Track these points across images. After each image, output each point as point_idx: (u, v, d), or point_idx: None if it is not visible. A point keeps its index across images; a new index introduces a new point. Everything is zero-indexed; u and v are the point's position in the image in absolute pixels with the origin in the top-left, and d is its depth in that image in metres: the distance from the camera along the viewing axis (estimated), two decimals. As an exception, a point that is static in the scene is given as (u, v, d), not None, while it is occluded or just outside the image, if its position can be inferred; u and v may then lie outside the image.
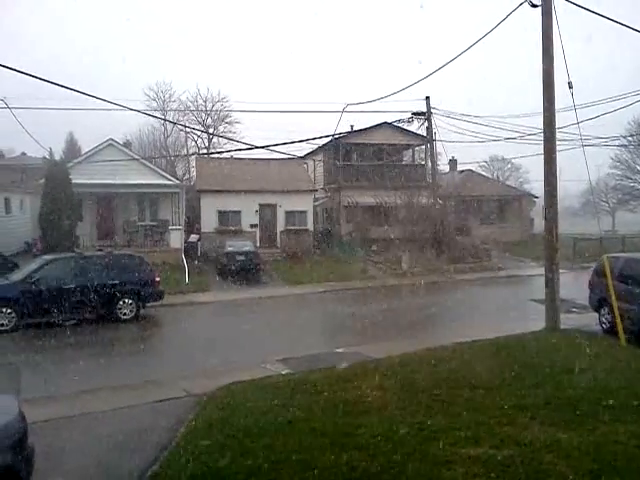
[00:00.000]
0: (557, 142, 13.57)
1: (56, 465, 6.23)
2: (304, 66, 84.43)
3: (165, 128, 53.87)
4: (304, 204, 32.54)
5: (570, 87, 13.20)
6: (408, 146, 36.12)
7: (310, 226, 32.69)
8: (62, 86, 7.72)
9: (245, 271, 23.85)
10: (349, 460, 6.24)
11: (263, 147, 20.25)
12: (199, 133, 54.49)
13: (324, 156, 37.02)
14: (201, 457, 6.63)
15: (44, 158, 38.84)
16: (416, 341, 12.94)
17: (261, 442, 6.89)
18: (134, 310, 16.37)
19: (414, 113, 29.97)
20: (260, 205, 31.74)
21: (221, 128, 53.24)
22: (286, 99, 72.83)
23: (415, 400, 8.26)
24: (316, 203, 34.69)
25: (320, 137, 28.87)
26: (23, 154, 50.17)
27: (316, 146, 34.32)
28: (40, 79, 7.22)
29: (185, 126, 49.07)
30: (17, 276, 16.10)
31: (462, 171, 42.08)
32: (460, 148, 35.01)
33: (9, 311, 14.86)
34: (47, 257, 17.09)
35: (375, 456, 6.33)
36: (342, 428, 7.16)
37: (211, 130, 53.15)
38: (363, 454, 6.40)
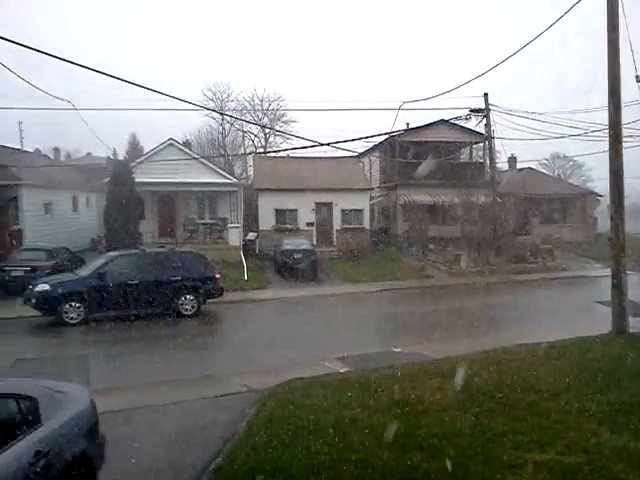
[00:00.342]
0: (623, 138, 13.07)
1: (123, 455, 6.43)
2: (360, 64, 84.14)
3: (223, 128, 54.84)
4: (360, 202, 32.52)
5: (638, 81, 12.69)
6: (465, 144, 35.54)
7: (366, 224, 32.64)
8: (133, 83, 7.97)
9: (302, 269, 24.02)
10: (410, 460, 6.21)
11: (320, 145, 20.21)
12: (256, 132, 55.24)
13: (380, 154, 36.87)
14: (263, 453, 6.72)
15: (108, 158, 40.25)
16: (475, 343, 12.70)
17: (321, 440, 6.93)
18: (195, 306, 16.76)
19: (472, 110, 29.39)
20: (316, 203, 31.92)
21: (277, 127, 53.79)
22: (341, 97, 72.75)
23: (476, 402, 8.13)
24: (372, 201, 34.60)
25: (376, 135, 28.85)
26: (88, 154, 52.07)
27: (372, 144, 34.21)
28: (112, 77, 7.48)
29: (246, 123, 49.79)
30: (84, 272, 16.74)
31: (522, 169, 41.04)
32: (520, 146, 34.24)
33: (78, 305, 15.45)
34: (112, 253, 17.69)
35: (436, 457, 6.28)
36: (402, 428, 7.11)
37: (267, 130, 53.81)
38: (424, 455, 6.36)
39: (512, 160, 42.30)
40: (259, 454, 6.70)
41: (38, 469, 4.84)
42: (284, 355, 12.35)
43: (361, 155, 37.19)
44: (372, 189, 34.40)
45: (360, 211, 32.45)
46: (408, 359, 11.33)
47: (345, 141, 28.06)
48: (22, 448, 4.80)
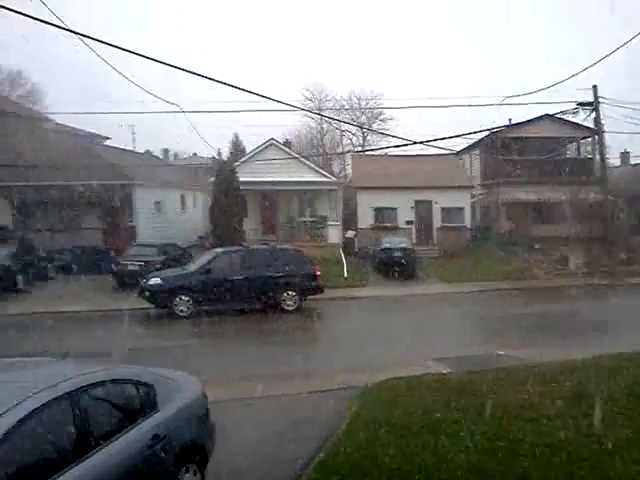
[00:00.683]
0: None
1: (227, 444, 6.63)
2: (457, 60, 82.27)
3: (321, 127, 55.48)
4: (460, 200, 31.81)
5: None
6: (572, 139, 33.78)
7: (467, 223, 31.88)
8: (239, 88, 8.24)
9: (401, 268, 23.84)
10: (521, 468, 5.99)
11: (419, 142, 19.92)
12: (354, 131, 55.44)
13: (481, 151, 35.84)
14: (364, 451, 6.71)
15: (213, 158, 41.87)
16: (586, 348, 11.99)
17: (423, 441, 6.83)
18: (296, 302, 17.10)
19: (579, 103, 27.85)
20: (416, 202, 31.55)
21: (375, 126, 53.66)
22: (440, 94, 71.37)
23: (589, 410, 7.70)
24: (473, 199, 33.73)
25: (477, 132, 28.05)
26: (194, 155, 54.39)
27: (472, 141, 33.33)
28: (219, 82, 7.76)
29: (344, 123, 50.05)
30: (192, 267, 17.52)
31: (637, 164, 38.49)
32: (635, 140, 31.97)
33: (187, 299, 16.21)
34: (218, 250, 18.39)
35: (550, 467, 5.99)
36: (510, 434, 6.87)
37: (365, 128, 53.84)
38: (536, 463, 6.10)
39: (625, 155, 39.84)
40: (360, 452, 6.70)
41: (155, 452, 5.12)
42: (382, 353, 12.31)
43: (461, 152, 36.33)
44: (473, 187, 33.53)
45: (460, 209, 31.73)
46: (512, 363, 10.94)
47: (443, 138, 27.44)
48: (142, 431, 5.09)
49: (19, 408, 4.16)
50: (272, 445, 7.54)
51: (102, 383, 5.08)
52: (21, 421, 4.06)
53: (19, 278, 19.70)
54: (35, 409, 4.22)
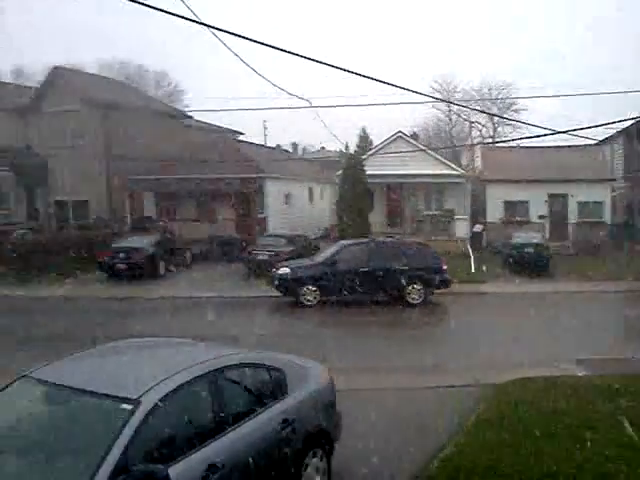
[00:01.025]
0: None
1: (350, 433, 6.71)
2: (595, 44, 76.64)
3: (450, 119, 54.29)
4: (599, 194, 29.70)
5: None
6: None
7: (607, 218, 29.77)
8: (370, 78, 8.25)
9: (532, 264, 22.73)
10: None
11: (554, 133, 18.82)
12: (484, 122, 53.69)
13: (624, 141, 33.21)
14: (491, 451, 6.53)
15: (340, 151, 42.43)
16: None
17: (558, 445, 6.52)
18: (422, 296, 16.92)
19: None
20: (549, 195, 29.95)
21: (506, 116, 51.59)
22: (579, 82, 66.96)
23: None
24: (614, 193, 31.41)
25: (620, 121, 25.84)
26: (322, 148, 55.46)
27: (614, 130, 30.96)
28: (348, 72, 7.81)
29: (472, 114, 48.62)
30: (319, 258, 17.90)
31: None
32: None
33: (314, 289, 16.61)
34: (344, 242, 18.63)
35: None
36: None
37: (496, 119, 51.96)
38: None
39: None
40: (487, 452, 6.53)
41: (284, 436, 5.31)
42: (511, 352, 11.85)
43: (602, 143, 33.92)
44: (614, 180, 31.21)
45: (599, 203, 29.65)
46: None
47: (582, 128, 25.71)
48: (272, 414, 5.31)
49: (167, 382, 4.52)
50: (394, 437, 7.55)
51: (237, 366, 5.37)
52: (167, 395, 4.41)
53: (160, 264, 21.22)
54: (180, 385, 4.57)
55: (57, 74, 29.49)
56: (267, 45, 6.55)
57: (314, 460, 5.74)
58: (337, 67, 7.72)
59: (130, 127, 28.02)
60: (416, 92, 10.73)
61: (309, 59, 7.43)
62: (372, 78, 8.06)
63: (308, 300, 16.57)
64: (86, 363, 5.37)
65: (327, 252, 18.05)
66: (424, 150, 30.34)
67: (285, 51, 6.74)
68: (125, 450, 3.91)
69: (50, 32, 74.97)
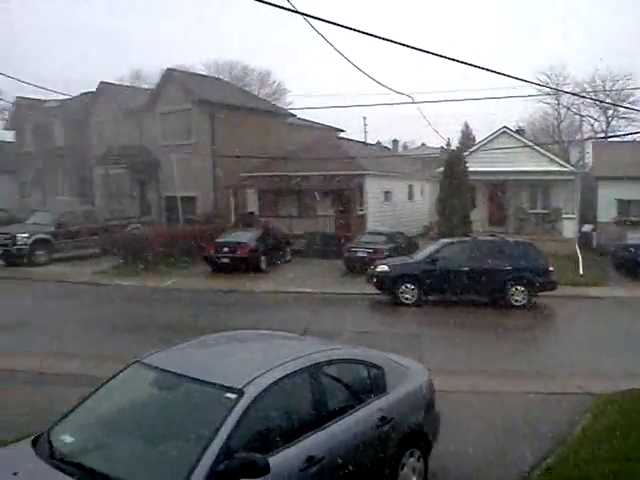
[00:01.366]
0: None
1: (447, 436, 6.59)
2: None
3: (558, 113, 51.84)
4: None
5: None
6: None
7: None
8: (480, 67, 7.99)
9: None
10: None
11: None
12: (596, 116, 50.84)
13: None
14: (602, 464, 6.20)
15: (442, 148, 41.65)
16: None
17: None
18: (526, 298, 16.24)
19: None
20: (671, 193, 27.86)
21: (622, 110, 48.52)
22: None
23: None
24: None
25: None
26: (422, 145, 54.75)
27: None
28: (455, 60, 7.59)
29: (583, 108, 46.10)
30: (419, 256, 17.67)
31: None
32: None
33: (412, 287, 16.43)
34: (445, 240, 18.27)
35: None
36: None
37: (610, 112, 49.03)
38: None
39: None
40: (598, 465, 6.20)
41: (382, 433, 5.32)
42: (621, 360, 11.09)
43: None
44: None
45: None
46: None
47: None
48: (371, 411, 5.33)
49: (270, 374, 4.68)
50: (493, 442, 7.36)
51: (337, 361, 5.44)
52: (270, 386, 4.55)
53: (262, 259, 21.80)
54: (281, 377, 4.70)
55: (170, 76, 31.00)
56: (368, 34, 6.48)
57: (411, 460, 5.70)
58: (445, 57, 7.49)
59: (236, 126, 29.01)
60: (528, 82, 10.29)
61: (423, 51, 7.25)
62: (483, 68, 7.79)
63: (406, 298, 16.43)
64: (193, 351, 5.64)
65: (427, 250, 17.78)
66: (530, 146, 29.12)
67: (395, 42, 6.64)
68: (228, 437, 4.07)
69: (161, 35, 79.05)
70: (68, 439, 4.55)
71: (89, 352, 11.56)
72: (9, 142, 42.42)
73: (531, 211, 28.87)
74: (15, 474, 4.07)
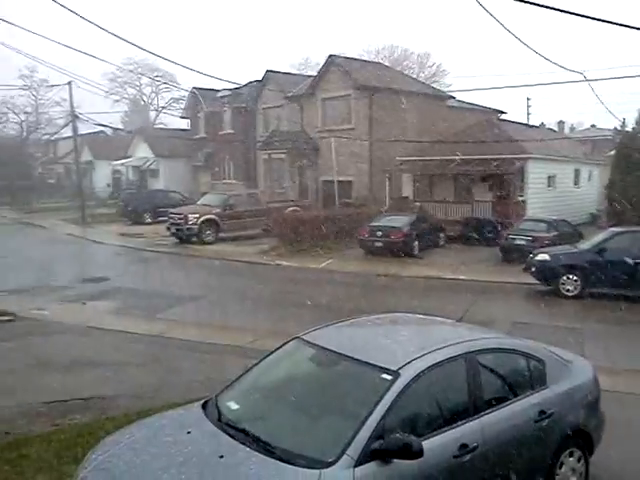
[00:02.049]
0: None
1: (610, 442, 6.15)
2: None
3: None
4: None
5: None
6: None
7: None
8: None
9: None
10: None
11: None
12: None
13: None
14: None
15: (615, 129, 38.28)
16: None
17: None
18: None
19: None
20: None
21: None
22: None
23: None
24: None
25: None
26: (592, 126, 50.78)
27: None
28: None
29: None
30: (584, 245, 16.52)
31: None
32: None
33: (575, 278, 15.44)
34: (615, 229, 16.84)
35: None
36: None
37: None
38: None
39: None
40: None
41: (540, 428, 5.13)
42: None
43: None
44: None
45: None
46: None
47: None
48: (529, 404, 5.17)
49: (425, 358, 4.72)
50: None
51: (495, 350, 5.33)
52: (425, 370, 4.60)
53: (415, 244, 21.68)
54: (437, 362, 4.73)
55: (331, 62, 31.70)
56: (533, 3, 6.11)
57: (570, 460, 5.46)
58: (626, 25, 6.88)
59: (395, 110, 29.03)
60: None
61: (596, 19, 6.75)
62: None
63: (568, 290, 15.48)
64: (349, 331, 5.83)
65: (594, 239, 16.53)
66: None
67: (564, 11, 6.23)
68: (382, 418, 4.18)
69: (330, 23, 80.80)
70: (234, 405, 4.95)
71: (257, 327, 12.47)
72: (184, 130, 46.22)
73: None
74: (189, 432, 4.53)
